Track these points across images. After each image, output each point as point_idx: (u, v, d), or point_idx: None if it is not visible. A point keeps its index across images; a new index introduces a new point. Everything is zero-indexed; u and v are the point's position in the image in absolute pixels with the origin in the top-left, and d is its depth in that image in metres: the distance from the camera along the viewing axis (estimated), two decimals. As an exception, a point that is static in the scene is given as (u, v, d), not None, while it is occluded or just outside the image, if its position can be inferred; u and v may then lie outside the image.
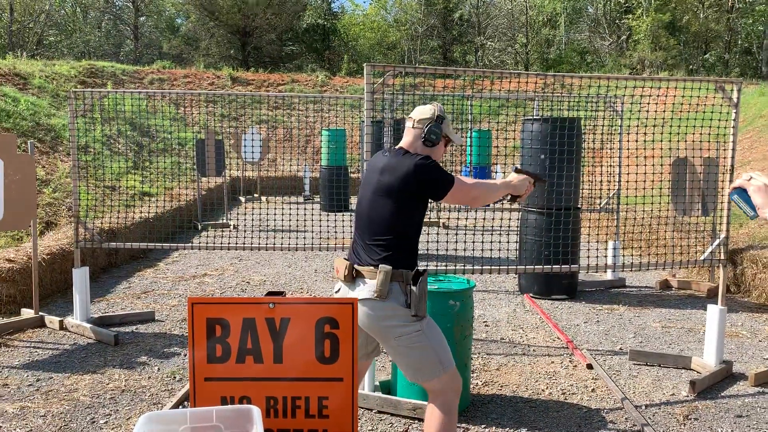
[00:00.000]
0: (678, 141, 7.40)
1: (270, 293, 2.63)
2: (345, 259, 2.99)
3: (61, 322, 5.75)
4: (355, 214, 3.06)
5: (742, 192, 1.83)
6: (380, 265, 2.82)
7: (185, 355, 5.14)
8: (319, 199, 14.60)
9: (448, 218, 12.31)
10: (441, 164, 3.02)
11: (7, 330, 5.63)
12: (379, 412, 4.08)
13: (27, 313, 5.94)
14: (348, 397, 2.56)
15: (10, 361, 4.97)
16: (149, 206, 10.43)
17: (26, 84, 15.59)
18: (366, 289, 2.84)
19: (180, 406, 4.15)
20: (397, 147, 3.05)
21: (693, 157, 7.29)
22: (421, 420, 3.92)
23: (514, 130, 13.23)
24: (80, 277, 5.70)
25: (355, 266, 2.91)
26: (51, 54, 31.79)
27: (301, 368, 2.54)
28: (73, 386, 4.50)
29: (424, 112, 3.03)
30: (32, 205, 5.67)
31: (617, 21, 37.03)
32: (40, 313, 5.91)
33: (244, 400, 2.52)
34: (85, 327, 5.60)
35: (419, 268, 2.95)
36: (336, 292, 3.04)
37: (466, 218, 12.43)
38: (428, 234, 6.56)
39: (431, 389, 2.92)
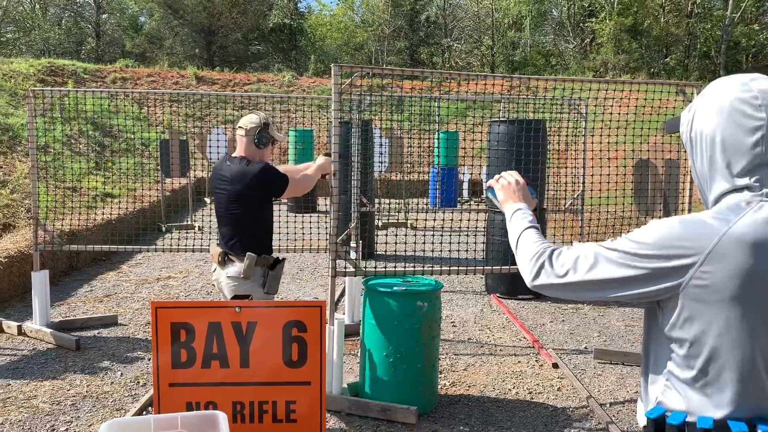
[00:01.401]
0: (641, 143, 7.54)
1: (236, 297, 2.59)
2: (217, 245, 3.68)
3: (19, 327, 5.59)
4: (216, 215, 3.73)
5: (492, 190, 1.93)
6: (247, 253, 3.48)
7: (149, 360, 5.04)
8: (286, 200, 14.49)
9: (416, 219, 12.34)
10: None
11: (-38, 336, 5.46)
12: (348, 414, 4.06)
13: (-17, 318, 5.76)
14: (316, 400, 2.54)
15: (-34, 368, 4.82)
16: (112, 208, 10.22)
17: (-18, 82, 15.15)
18: (234, 269, 3.54)
19: (144, 412, 4.07)
20: (234, 155, 3.62)
21: (655, 158, 7.43)
22: (390, 421, 3.92)
23: (481, 132, 13.31)
24: (40, 280, 5.55)
25: (227, 253, 3.58)
26: (8, 51, 30.86)
27: (268, 372, 2.51)
28: (32, 393, 4.37)
29: (252, 120, 3.59)
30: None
31: (581, 24, 37.57)
32: (-2, 318, 5.75)
33: (210, 406, 2.48)
34: (44, 332, 5.45)
35: (279, 256, 3.64)
36: (213, 272, 3.76)
37: (434, 219, 12.47)
38: (396, 235, 6.52)
39: None
